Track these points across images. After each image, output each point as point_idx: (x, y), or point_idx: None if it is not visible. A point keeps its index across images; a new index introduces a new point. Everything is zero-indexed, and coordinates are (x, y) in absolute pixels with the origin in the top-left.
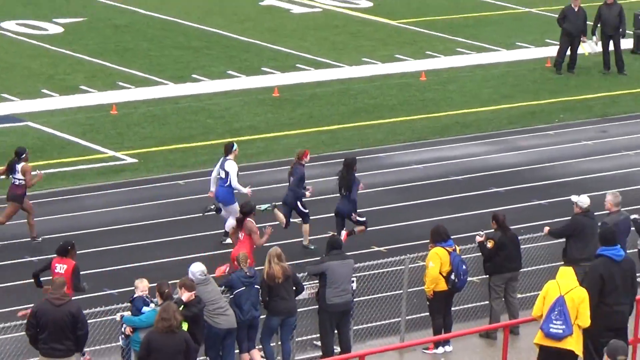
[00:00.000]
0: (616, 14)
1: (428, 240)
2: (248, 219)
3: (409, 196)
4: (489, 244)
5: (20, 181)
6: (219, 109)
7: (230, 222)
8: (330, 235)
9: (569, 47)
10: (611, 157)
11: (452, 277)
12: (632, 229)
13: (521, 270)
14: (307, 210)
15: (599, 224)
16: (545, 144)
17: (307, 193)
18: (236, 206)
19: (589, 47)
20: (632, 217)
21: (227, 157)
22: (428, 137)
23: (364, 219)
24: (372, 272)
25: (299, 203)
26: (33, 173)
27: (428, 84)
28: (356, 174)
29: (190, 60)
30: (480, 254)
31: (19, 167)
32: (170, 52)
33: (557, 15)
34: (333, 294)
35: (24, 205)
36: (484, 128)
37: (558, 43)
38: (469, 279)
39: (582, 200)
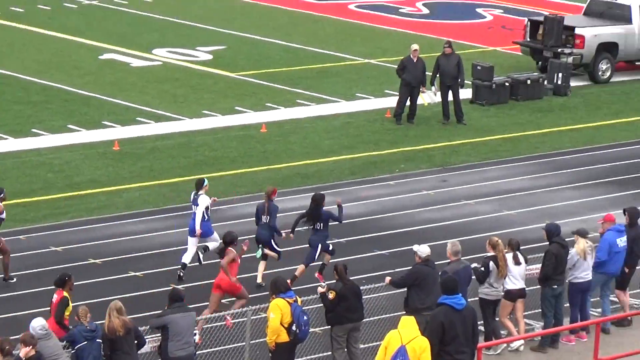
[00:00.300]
0: (454, 64)
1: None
2: (229, 248)
3: (251, 248)
4: (331, 295)
5: None
6: (60, 163)
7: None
8: (172, 287)
9: (409, 98)
10: (451, 206)
11: (294, 327)
12: (473, 277)
13: (363, 320)
14: (279, 249)
15: (440, 272)
16: (386, 194)
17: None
18: (216, 235)
19: (428, 97)
20: (473, 265)
21: (199, 193)
22: None
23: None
24: (215, 324)
25: (272, 241)
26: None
27: (269, 136)
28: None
29: (30, 115)
30: (322, 304)
31: None
32: (9, 106)
33: (396, 66)
34: (176, 347)
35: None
36: (326, 179)
37: (397, 94)
38: (311, 329)
39: (422, 249)
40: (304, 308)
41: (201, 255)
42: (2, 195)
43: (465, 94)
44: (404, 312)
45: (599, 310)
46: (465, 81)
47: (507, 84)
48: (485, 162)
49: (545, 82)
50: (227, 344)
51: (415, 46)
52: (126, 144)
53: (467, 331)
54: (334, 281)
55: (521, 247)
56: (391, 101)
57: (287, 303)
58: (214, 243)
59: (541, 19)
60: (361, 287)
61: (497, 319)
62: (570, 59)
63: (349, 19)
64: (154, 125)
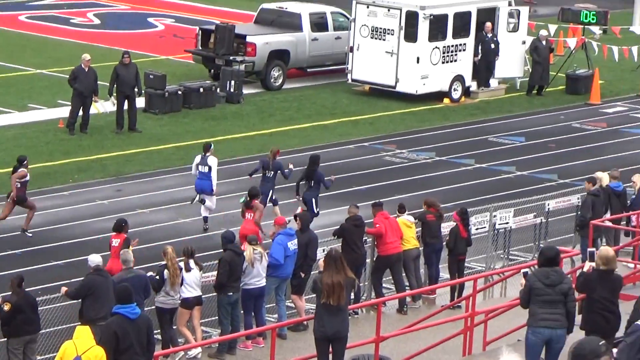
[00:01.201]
0: (134, 74)
1: None
2: (255, 200)
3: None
4: (6, 307)
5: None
6: None
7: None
8: None
9: (81, 108)
10: (127, 215)
11: None
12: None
13: (40, 332)
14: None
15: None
16: (60, 205)
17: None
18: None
19: (102, 106)
20: (149, 274)
21: (207, 155)
22: None
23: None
24: None
25: (272, 192)
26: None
27: None
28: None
29: None
30: None
31: (19, 171)
32: None
33: (68, 76)
34: None
35: (27, 204)
36: None
37: (70, 104)
38: None
39: (93, 259)
40: None
41: (197, 199)
42: (25, 162)
43: (138, 102)
44: (80, 323)
45: (276, 316)
46: (142, 90)
47: (179, 92)
48: (159, 171)
49: (218, 90)
50: None
51: (86, 56)
52: None
53: (142, 340)
54: (9, 293)
55: (196, 255)
56: (64, 111)
57: None
58: (212, 198)
59: (212, 27)
60: (37, 299)
61: (174, 327)
62: (242, 67)
63: (20, 29)
64: None
